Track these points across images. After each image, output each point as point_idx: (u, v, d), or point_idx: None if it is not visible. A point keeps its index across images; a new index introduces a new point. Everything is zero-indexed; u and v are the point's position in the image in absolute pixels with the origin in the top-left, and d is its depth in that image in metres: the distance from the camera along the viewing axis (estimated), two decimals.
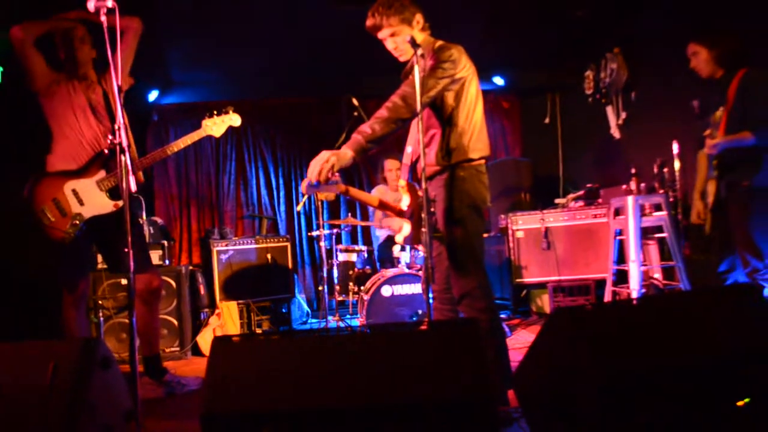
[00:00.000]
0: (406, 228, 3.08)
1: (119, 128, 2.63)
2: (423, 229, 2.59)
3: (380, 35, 2.99)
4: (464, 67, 2.85)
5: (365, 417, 1.67)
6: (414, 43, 2.62)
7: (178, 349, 4.97)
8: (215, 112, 3.76)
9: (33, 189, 3.45)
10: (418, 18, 2.95)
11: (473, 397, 1.65)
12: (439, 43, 2.90)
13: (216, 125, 3.74)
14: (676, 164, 4.92)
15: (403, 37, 2.91)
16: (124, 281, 4.70)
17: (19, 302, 4.84)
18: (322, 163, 2.65)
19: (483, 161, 2.93)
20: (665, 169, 5.07)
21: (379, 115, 2.71)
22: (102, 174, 3.52)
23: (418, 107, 2.60)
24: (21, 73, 3.57)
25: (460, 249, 2.83)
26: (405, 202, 3.07)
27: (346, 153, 2.68)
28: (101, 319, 4.72)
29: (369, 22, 2.97)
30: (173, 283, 4.98)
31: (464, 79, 2.85)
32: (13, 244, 4.65)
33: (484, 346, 1.78)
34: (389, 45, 3.00)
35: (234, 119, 3.78)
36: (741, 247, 3.58)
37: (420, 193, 2.79)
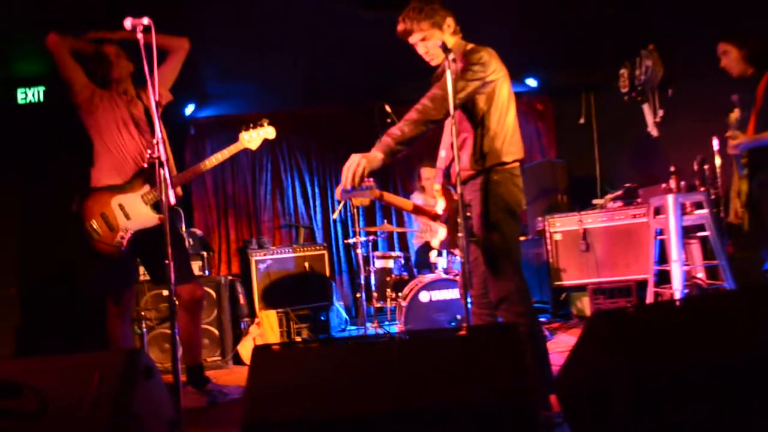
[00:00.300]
0: (442, 232, 3.08)
1: (157, 142, 2.70)
2: (459, 234, 2.58)
3: (411, 40, 2.99)
4: (495, 70, 2.83)
5: (404, 422, 1.68)
6: (445, 48, 2.63)
7: (219, 358, 5.04)
8: (251, 125, 3.81)
9: (82, 204, 3.54)
10: (449, 22, 2.94)
11: (511, 401, 1.64)
12: (470, 46, 2.89)
13: (252, 138, 3.79)
14: (717, 161, 4.81)
15: (434, 42, 2.91)
16: (166, 292, 4.79)
17: (66, 314, 4.97)
18: (354, 167, 2.66)
19: (517, 164, 2.91)
20: (705, 166, 4.96)
21: (408, 117, 2.72)
22: (146, 188, 3.59)
23: (451, 109, 2.59)
24: (63, 87, 3.66)
25: (496, 253, 2.82)
26: (440, 207, 3.07)
27: (376, 155, 2.69)
28: (144, 330, 4.82)
29: (400, 27, 2.98)
30: (213, 294, 5.06)
31: (495, 82, 2.84)
32: (62, 258, 4.80)
33: (523, 350, 1.77)
34: (420, 50, 3.00)
35: (269, 132, 3.82)
36: None
37: (455, 197, 2.79)
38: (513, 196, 2.86)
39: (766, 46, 3.62)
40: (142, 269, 4.68)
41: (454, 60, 2.82)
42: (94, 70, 3.67)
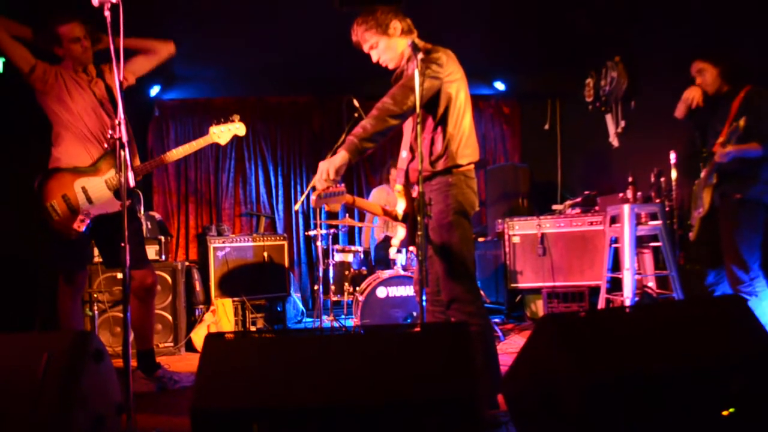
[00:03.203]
0: (401, 231, 3.11)
1: (119, 123, 2.66)
2: (419, 232, 2.61)
3: (364, 49, 3.06)
4: (452, 72, 2.87)
5: (350, 416, 1.70)
6: (415, 47, 2.65)
7: (172, 344, 4.99)
8: (222, 120, 3.78)
9: (43, 183, 3.46)
10: (395, 25, 2.97)
11: (457, 397, 1.67)
12: (428, 46, 2.92)
13: (222, 133, 3.76)
14: (673, 174, 4.95)
15: (383, 47, 2.99)
16: (119, 275, 4.72)
17: (17, 292, 4.86)
18: (322, 174, 2.71)
19: (472, 167, 2.95)
20: (662, 179, 5.10)
21: (370, 114, 2.77)
22: (111, 173, 3.52)
23: (417, 106, 2.62)
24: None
25: (449, 254, 2.85)
26: (401, 207, 3.09)
27: (341, 154, 2.72)
28: (96, 312, 4.74)
29: (353, 39, 3.06)
30: (169, 279, 5.00)
31: (453, 84, 2.87)
32: (16, 234, 4.68)
33: (472, 348, 1.80)
34: (373, 57, 3.06)
35: (239, 128, 3.80)
36: (728, 258, 3.61)
37: (414, 194, 2.82)
38: (467, 199, 2.90)
39: (741, 64, 3.73)
40: (96, 251, 4.60)
41: (409, 59, 2.88)
42: (42, 47, 3.57)
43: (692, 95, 3.87)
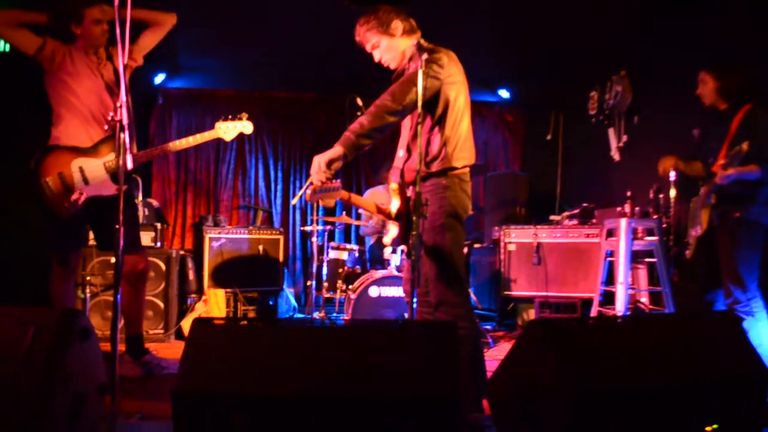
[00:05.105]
0: (393, 230, 3.10)
1: (120, 106, 2.65)
2: (413, 232, 2.60)
3: (367, 49, 3.06)
4: (452, 74, 2.86)
5: (330, 408, 1.69)
6: (420, 47, 2.65)
7: (162, 331, 4.99)
8: (229, 116, 3.78)
9: (41, 160, 3.46)
10: (396, 25, 2.97)
11: (439, 396, 1.67)
12: (430, 47, 2.91)
13: (228, 130, 3.78)
14: (672, 191, 4.95)
15: (384, 47, 2.99)
16: (113, 260, 4.71)
17: (10, 269, 4.86)
18: (318, 170, 2.71)
19: (467, 170, 2.93)
20: (661, 195, 5.10)
21: (368, 111, 2.77)
22: (111, 156, 3.52)
23: (418, 104, 2.61)
24: None
25: (439, 257, 2.84)
26: (395, 205, 3.09)
27: (336, 149, 2.71)
28: (88, 295, 4.73)
29: (356, 39, 3.07)
30: (162, 266, 5.00)
31: (453, 86, 2.86)
32: (14, 213, 4.68)
33: (457, 349, 1.80)
34: (375, 57, 3.07)
35: (246, 126, 3.81)
36: (726, 277, 3.61)
37: (409, 194, 2.82)
38: (460, 202, 2.89)
39: (744, 83, 3.71)
40: (91, 234, 4.60)
41: (411, 59, 2.88)
42: (56, 22, 3.56)
43: (665, 166, 4.02)
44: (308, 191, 2.84)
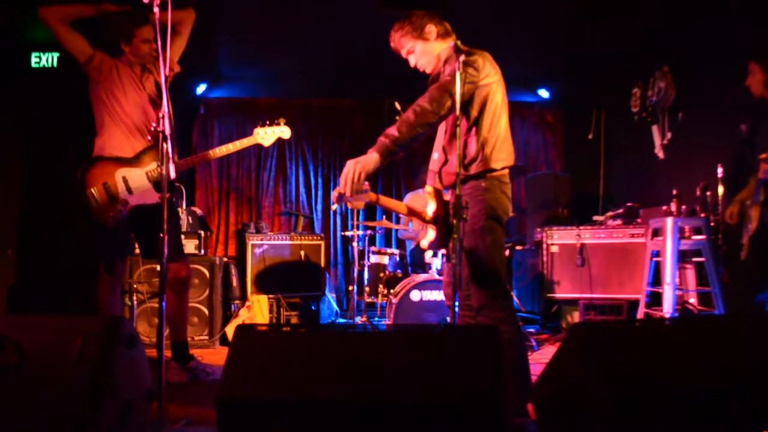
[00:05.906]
0: (431, 234, 3.08)
1: (163, 116, 2.70)
2: (454, 236, 2.58)
3: (402, 55, 3.05)
4: (488, 75, 2.82)
5: (374, 414, 1.69)
6: (457, 49, 2.63)
7: (207, 337, 5.06)
8: (267, 122, 3.82)
9: (86, 171, 3.54)
10: (429, 29, 2.94)
11: (483, 402, 1.65)
12: (466, 49, 2.89)
13: (266, 135, 3.81)
14: (720, 189, 4.81)
15: (419, 52, 2.97)
16: (158, 267, 4.79)
17: (60, 279, 4.99)
18: (350, 174, 2.63)
19: (506, 171, 2.89)
20: (708, 193, 4.96)
21: (406, 118, 2.69)
22: (153, 165, 3.59)
23: (457, 109, 2.59)
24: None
25: (479, 260, 2.81)
26: (431, 209, 3.07)
27: (371, 156, 2.66)
28: (135, 302, 4.83)
29: (391, 46, 3.05)
30: (206, 273, 5.07)
31: (488, 87, 2.83)
32: (61, 223, 4.82)
33: (501, 353, 1.78)
34: (411, 62, 3.04)
35: (284, 131, 3.84)
36: None
37: (446, 198, 2.79)
38: (500, 204, 2.85)
39: None
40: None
41: (446, 61, 2.85)
42: (104, 37, 3.64)
43: (731, 212, 4.02)
44: (335, 194, 2.80)
